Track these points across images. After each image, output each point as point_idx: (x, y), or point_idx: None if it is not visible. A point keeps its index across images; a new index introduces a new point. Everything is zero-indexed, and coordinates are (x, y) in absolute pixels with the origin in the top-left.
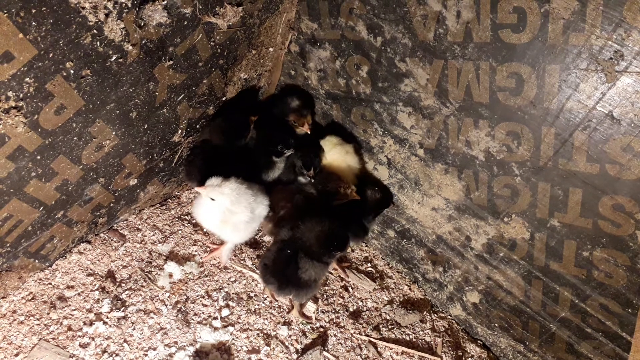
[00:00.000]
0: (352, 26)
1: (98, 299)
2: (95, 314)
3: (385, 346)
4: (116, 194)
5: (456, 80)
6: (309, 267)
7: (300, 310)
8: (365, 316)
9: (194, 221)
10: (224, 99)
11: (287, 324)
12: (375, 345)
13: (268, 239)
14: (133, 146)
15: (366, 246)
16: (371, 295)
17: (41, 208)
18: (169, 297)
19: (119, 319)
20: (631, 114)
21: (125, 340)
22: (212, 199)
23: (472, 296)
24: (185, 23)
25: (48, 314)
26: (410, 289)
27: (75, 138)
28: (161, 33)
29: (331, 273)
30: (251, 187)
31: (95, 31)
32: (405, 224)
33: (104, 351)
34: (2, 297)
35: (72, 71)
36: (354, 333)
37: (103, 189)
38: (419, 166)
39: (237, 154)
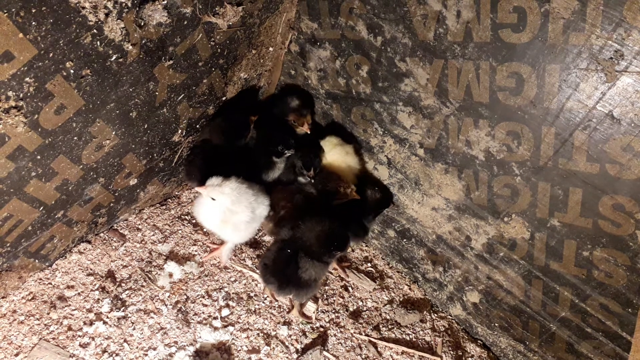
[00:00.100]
0: (352, 26)
1: (98, 299)
2: (95, 313)
3: (385, 346)
4: (116, 194)
5: (456, 80)
6: (309, 266)
7: (300, 310)
8: (365, 316)
9: (194, 221)
10: (224, 98)
11: (287, 323)
12: (375, 345)
13: (268, 238)
14: (133, 146)
15: (366, 246)
16: (371, 295)
17: (41, 208)
18: (169, 296)
19: (119, 318)
20: (631, 113)
21: (125, 340)
22: (213, 199)
23: (472, 296)
24: (185, 23)
25: (48, 313)
26: (410, 289)
27: (75, 138)
28: (161, 33)
29: (331, 273)
30: (252, 187)
31: (95, 31)
32: (406, 224)
33: (104, 351)
34: (2, 297)
35: (72, 71)
36: (354, 333)
37: (103, 189)
38: (419, 166)
39: (237, 153)
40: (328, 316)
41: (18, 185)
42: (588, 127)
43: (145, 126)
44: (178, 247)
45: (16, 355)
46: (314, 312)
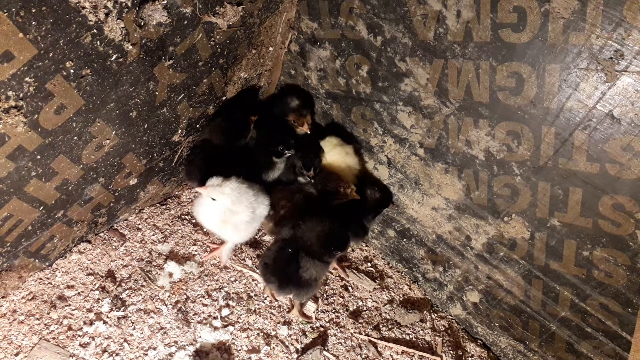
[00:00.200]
0: (352, 26)
1: (98, 299)
2: (95, 313)
3: (385, 346)
4: (116, 194)
5: (456, 79)
6: (310, 266)
7: (300, 309)
8: (365, 316)
9: (194, 221)
10: (224, 98)
11: (287, 323)
12: (375, 345)
13: (268, 238)
14: (133, 146)
15: (366, 246)
16: (371, 295)
17: (41, 208)
18: (169, 296)
19: (119, 318)
20: (631, 113)
21: (125, 340)
22: (213, 199)
23: (472, 296)
24: (185, 22)
25: (48, 313)
26: (410, 289)
27: (75, 137)
28: (161, 32)
29: (331, 273)
30: (252, 186)
31: (95, 31)
32: (406, 224)
33: (104, 351)
34: (2, 297)
35: (72, 71)
36: (354, 332)
37: (103, 189)
38: (419, 166)
39: (237, 153)
40: (328, 316)
41: (18, 185)
42: (588, 127)
43: (145, 126)
44: (178, 247)
45: (16, 355)
46: (314, 312)
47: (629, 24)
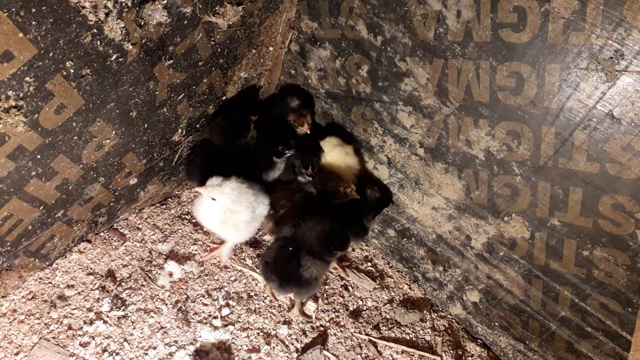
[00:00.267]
0: (352, 25)
1: (98, 298)
2: (95, 313)
3: (385, 345)
4: (116, 193)
5: (456, 79)
6: (311, 264)
7: (300, 308)
8: (366, 315)
9: (194, 220)
10: (224, 98)
11: (287, 323)
12: (375, 344)
13: (268, 238)
14: (133, 145)
15: (366, 245)
16: (371, 295)
17: (41, 207)
18: (169, 296)
19: (119, 318)
20: (631, 113)
21: (125, 339)
22: (213, 199)
23: (472, 295)
24: (186, 22)
25: (48, 313)
26: (410, 288)
27: (75, 137)
28: (161, 32)
29: (331, 272)
30: (252, 186)
31: (95, 30)
32: (406, 223)
33: (104, 350)
34: (3, 296)
35: (72, 70)
36: (354, 332)
37: (103, 188)
38: (419, 165)
39: (237, 153)
40: (328, 315)
41: (18, 184)
42: (588, 127)
43: (146, 126)
44: (178, 247)
45: (16, 354)
46: (314, 312)
47: (629, 24)
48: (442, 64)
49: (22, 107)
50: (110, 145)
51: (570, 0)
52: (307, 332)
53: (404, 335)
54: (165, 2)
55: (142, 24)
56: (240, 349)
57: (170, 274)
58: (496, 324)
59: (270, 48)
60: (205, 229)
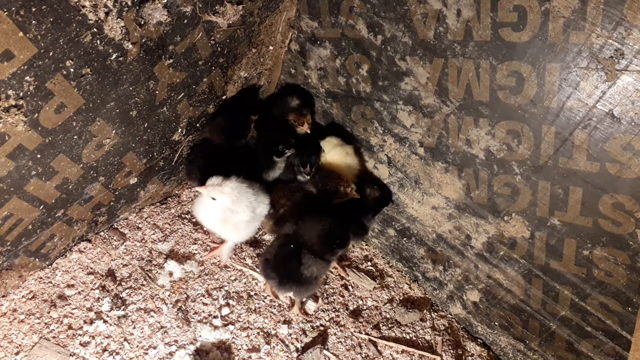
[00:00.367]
0: (352, 25)
1: (98, 298)
2: (95, 312)
3: (385, 345)
4: (116, 193)
5: (456, 78)
6: (312, 263)
7: (300, 307)
8: (366, 315)
9: (194, 220)
10: (224, 97)
11: (287, 322)
12: (375, 344)
13: (268, 237)
14: (133, 145)
15: (366, 245)
16: (371, 294)
17: (41, 207)
18: (169, 295)
19: (119, 317)
20: (631, 112)
21: (125, 339)
22: (213, 198)
23: (472, 295)
24: (186, 21)
25: (48, 312)
26: (410, 288)
27: (75, 137)
28: (161, 31)
29: (331, 272)
30: (252, 186)
31: (95, 30)
32: (406, 223)
33: (104, 350)
34: (3, 296)
35: (72, 70)
36: (354, 332)
37: (103, 188)
38: (419, 165)
39: (237, 153)
40: (328, 315)
41: (18, 184)
42: (588, 126)
43: (146, 125)
44: (178, 246)
45: (17, 354)
46: (314, 311)
47: (629, 23)
48: (442, 63)
49: (22, 106)
50: (110, 145)
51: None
52: (307, 332)
53: (404, 335)
54: (165, 1)
55: (142, 23)
56: (240, 349)
57: (171, 274)
58: (496, 323)
59: (270, 47)
60: (205, 229)
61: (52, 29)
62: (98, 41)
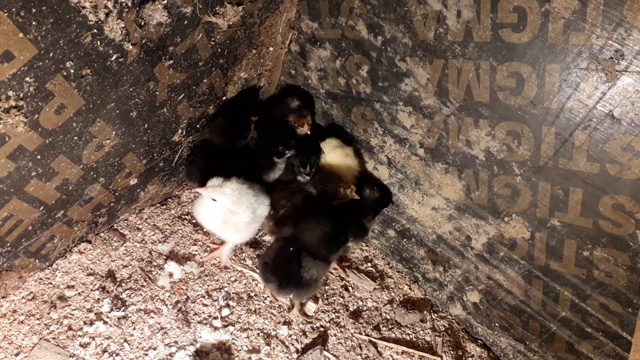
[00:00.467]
0: (352, 25)
1: (98, 299)
2: (95, 313)
3: (386, 346)
4: (116, 194)
5: (456, 79)
6: (311, 265)
7: (300, 309)
8: (366, 316)
9: (194, 221)
10: (224, 98)
11: (288, 323)
12: (375, 345)
13: (268, 238)
14: (133, 146)
15: (366, 246)
16: (371, 295)
17: (41, 208)
18: (169, 296)
19: (119, 318)
20: (631, 113)
21: (125, 340)
22: (214, 200)
23: (472, 296)
24: (186, 22)
25: (48, 313)
26: (410, 289)
27: (75, 137)
28: (161, 32)
29: (331, 273)
30: (252, 187)
31: (95, 31)
32: (406, 224)
33: (104, 351)
34: (3, 297)
35: (72, 71)
36: (354, 333)
37: (103, 189)
38: (419, 166)
39: (237, 154)
40: (328, 316)
41: (18, 185)
42: (588, 127)
43: (146, 126)
44: (178, 247)
45: (16, 355)
46: (314, 312)
47: (629, 24)
48: (442, 64)
49: (23, 107)
50: (111, 146)
51: (571, 1)
52: (307, 333)
53: (404, 336)
54: (166, 2)
55: (142, 24)
56: (240, 350)
57: (171, 275)
58: (496, 324)
59: (271, 48)
60: (205, 230)
61: (53, 30)
62: (98, 42)
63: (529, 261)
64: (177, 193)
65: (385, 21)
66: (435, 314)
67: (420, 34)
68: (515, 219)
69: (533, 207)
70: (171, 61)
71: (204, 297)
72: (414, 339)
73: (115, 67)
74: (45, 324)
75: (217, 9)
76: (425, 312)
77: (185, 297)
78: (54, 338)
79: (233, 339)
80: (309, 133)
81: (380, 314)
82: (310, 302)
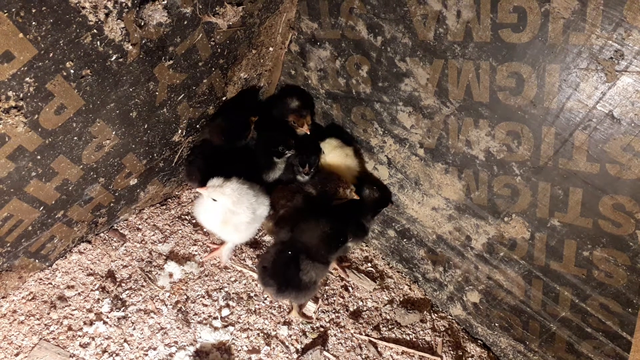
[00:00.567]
0: (352, 26)
1: (98, 299)
2: (95, 313)
3: (386, 346)
4: (116, 194)
5: (456, 79)
6: (310, 268)
7: (300, 310)
8: (366, 316)
9: (194, 221)
10: (224, 98)
11: (288, 323)
12: (375, 345)
13: (268, 238)
14: (133, 146)
15: (366, 246)
16: (371, 295)
17: (41, 208)
18: (169, 297)
19: (119, 318)
20: (631, 113)
21: (125, 340)
22: (214, 200)
23: (472, 296)
24: (186, 23)
25: (48, 313)
26: (410, 289)
27: (75, 138)
28: (161, 33)
29: (331, 273)
30: (252, 187)
31: (95, 31)
32: (406, 224)
33: (104, 351)
34: (3, 297)
35: (72, 71)
36: (354, 333)
37: (103, 189)
38: (419, 166)
39: (237, 154)
40: (328, 316)
41: (18, 185)
42: (588, 127)
43: (146, 126)
44: (178, 247)
45: (16, 355)
46: (314, 312)
47: (629, 24)
48: (442, 64)
49: (22, 107)
50: (110, 146)
51: (570, 1)
52: (307, 333)
53: (404, 336)
54: (166, 2)
55: (142, 24)
56: (240, 350)
57: (170, 275)
58: (496, 324)
59: (270, 48)
60: (205, 230)
61: (52, 30)
62: (98, 42)
63: (529, 261)
64: (177, 193)
65: (385, 21)
66: (435, 314)
67: (420, 34)
68: (515, 219)
69: (533, 207)
70: (171, 61)
71: (204, 297)
72: (414, 339)
73: (115, 68)
74: (45, 324)
75: (217, 9)
76: (425, 312)
77: (185, 297)
78: (53, 338)
79: (233, 339)
80: (308, 133)
81: (380, 314)
82: (310, 302)
